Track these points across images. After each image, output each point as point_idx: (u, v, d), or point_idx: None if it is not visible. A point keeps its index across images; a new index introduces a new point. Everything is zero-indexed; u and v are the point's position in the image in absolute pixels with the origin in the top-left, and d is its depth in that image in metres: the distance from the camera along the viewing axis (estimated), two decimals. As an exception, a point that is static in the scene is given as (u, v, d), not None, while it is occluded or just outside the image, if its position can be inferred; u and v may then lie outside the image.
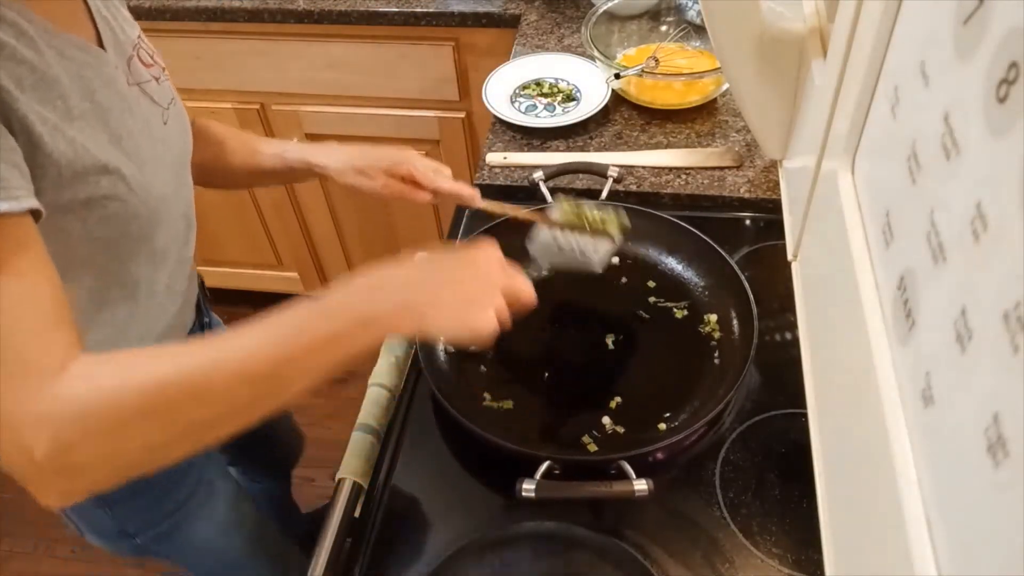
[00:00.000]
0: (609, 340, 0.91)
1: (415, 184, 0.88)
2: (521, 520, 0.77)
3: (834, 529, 0.41)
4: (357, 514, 0.79)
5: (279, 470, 1.40)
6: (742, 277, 0.89)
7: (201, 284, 0.98)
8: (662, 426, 0.81)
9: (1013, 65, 0.22)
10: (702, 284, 0.95)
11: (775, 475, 0.80)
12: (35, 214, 0.55)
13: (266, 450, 1.29)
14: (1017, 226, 0.21)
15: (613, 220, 0.85)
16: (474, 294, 0.62)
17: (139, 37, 0.76)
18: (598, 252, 0.85)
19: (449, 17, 1.47)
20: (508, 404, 0.85)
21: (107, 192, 0.65)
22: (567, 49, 1.36)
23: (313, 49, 1.55)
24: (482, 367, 0.89)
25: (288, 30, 1.54)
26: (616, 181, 1.05)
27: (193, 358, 0.53)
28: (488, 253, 0.66)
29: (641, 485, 0.71)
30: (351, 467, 0.80)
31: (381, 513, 0.80)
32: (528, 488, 0.72)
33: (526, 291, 0.66)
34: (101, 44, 0.69)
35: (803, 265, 0.56)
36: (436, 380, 0.84)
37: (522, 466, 0.74)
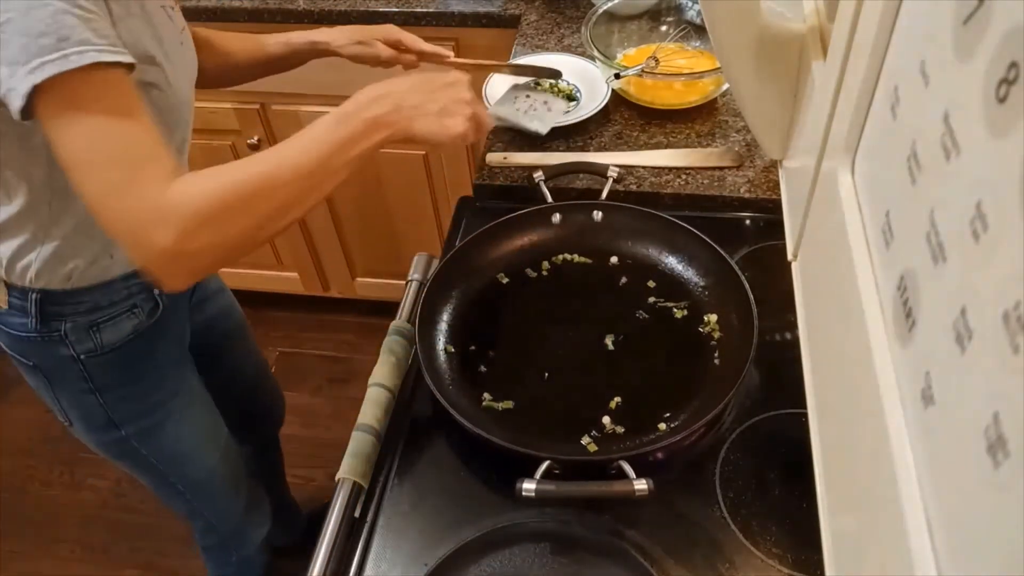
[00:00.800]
0: (609, 340, 0.91)
1: (403, 49, 1.10)
2: (521, 520, 0.77)
3: (834, 529, 0.41)
4: (357, 514, 0.79)
5: (265, 425, 1.47)
6: (742, 277, 0.88)
7: None
8: (662, 426, 0.81)
9: (1013, 65, 0.22)
10: (702, 284, 0.95)
11: (775, 475, 0.80)
12: (128, 69, 0.69)
13: (250, 401, 1.38)
14: (1017, 226, 0.21)
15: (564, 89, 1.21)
16: (449, 106, 0.79)
17: None
18: (549, 112, 1.14)
19: (449, 17, 1.47)
20: (508, 404, 0.85)
21: (152, 79, 0.79)
22: (567, 49, 1.36)
23: (313, 49, 1.55)
24: (482, 367, 0.89)
25: (288, 30, 1.53)
26: (616, 181, 1.05)
27: (263, 163, 0.70)
28: (459, 78, 0.83)
29: (641, 485, 0.71)
30: (351, 467, 0.81)
31: (381, 513, 0.80)
32: (528, 488, 0.72)
33: (486, 116, 0.84)
34: None
35: (803, 265, 0.56)
36: (436, 380, 0.84)
37: (522, 466, 0.74)
